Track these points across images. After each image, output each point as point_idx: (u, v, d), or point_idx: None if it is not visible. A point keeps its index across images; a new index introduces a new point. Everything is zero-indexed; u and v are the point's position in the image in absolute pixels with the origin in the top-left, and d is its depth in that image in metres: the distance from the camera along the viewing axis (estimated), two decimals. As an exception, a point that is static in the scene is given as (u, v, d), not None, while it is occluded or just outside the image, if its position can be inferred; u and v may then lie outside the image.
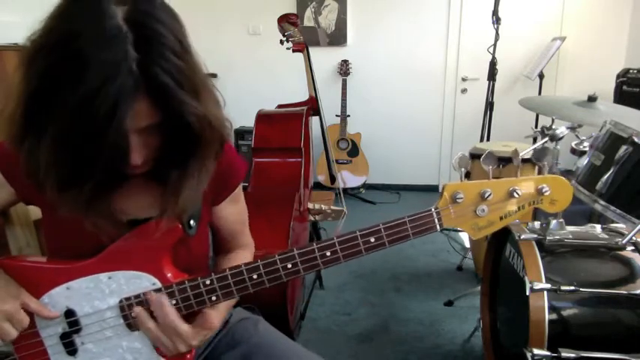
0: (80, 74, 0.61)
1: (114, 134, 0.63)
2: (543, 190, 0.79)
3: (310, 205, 2.23)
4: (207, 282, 0.82)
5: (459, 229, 0.80)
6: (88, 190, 0.68)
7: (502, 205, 0.80)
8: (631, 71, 3.38)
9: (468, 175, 0.83)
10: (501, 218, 0.80)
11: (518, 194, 0.78)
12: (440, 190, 0.80)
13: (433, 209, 0.79)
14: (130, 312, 0.83)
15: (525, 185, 0.79)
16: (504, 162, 2.21)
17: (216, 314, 0.86)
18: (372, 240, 0.80)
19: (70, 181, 0.68)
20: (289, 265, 0.80)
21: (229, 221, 1.01)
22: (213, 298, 0.82)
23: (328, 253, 0.80)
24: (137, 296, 0.83)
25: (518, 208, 0.80)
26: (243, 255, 1.04)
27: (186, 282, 0.82)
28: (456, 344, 2.08)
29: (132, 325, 0.84)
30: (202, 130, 0.70)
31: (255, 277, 0.81)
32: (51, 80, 0.63)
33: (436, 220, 0.80)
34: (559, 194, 0.80)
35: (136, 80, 0.62)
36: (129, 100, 0.62)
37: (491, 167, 0.83)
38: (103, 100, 0.61)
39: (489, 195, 0.78)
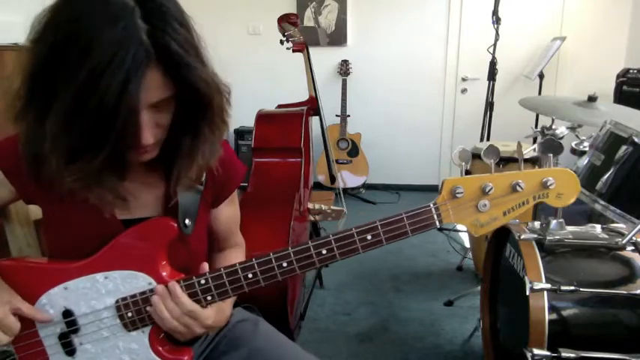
0: (90, 48, 0.62)
1: (125, 110, 0.64)
2: (548, 184, 0.74)
3: (310, 205, 2.23)
4: (202, 281, 0.81)
5: (459, 227, 0.79)
6: (97, 161, 0.68)
7: (505, 200, 0.75)
8: (631, 71, 3.37)
9: (467, 174, 0.81)
10: (505, 214, 0.76)
11: (521, 188, 0.74)
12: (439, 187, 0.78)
13: (432, 205, 0.76)
14: (125, 312, 0.83)
15: (529, 178, 0.75)
16: (504, 162, 2.22)
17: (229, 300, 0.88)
18: (369, 237, 0.77)
19: (78, 153, 0.68)
20: (284, 264, 0.79)
21: (226, 222, 1.02)
22: (209, 297, 0.82)
23: (324, 251, 0.79)
24: (133, 296, 0.83)
25: (522, 203, 0.76)
26: (236, 254, 1.05)
27: (182, 282, 0.82)
28: (456, 344, 2.08)
29: (128, 325, 0.84)
30: (212, 95, 0.72)
31: (250, 276, 0.80)
32: (59, 55, 0.64)
33: (435, 216, 0.76)
34: (565, 187, 0.75)
35: (147, 50, 0.63)
36: (140, 71, 0.63)
37: (492, 161, 0.79)
38: (114, 73, 0.61)
39: (491, 189, 0.75)
